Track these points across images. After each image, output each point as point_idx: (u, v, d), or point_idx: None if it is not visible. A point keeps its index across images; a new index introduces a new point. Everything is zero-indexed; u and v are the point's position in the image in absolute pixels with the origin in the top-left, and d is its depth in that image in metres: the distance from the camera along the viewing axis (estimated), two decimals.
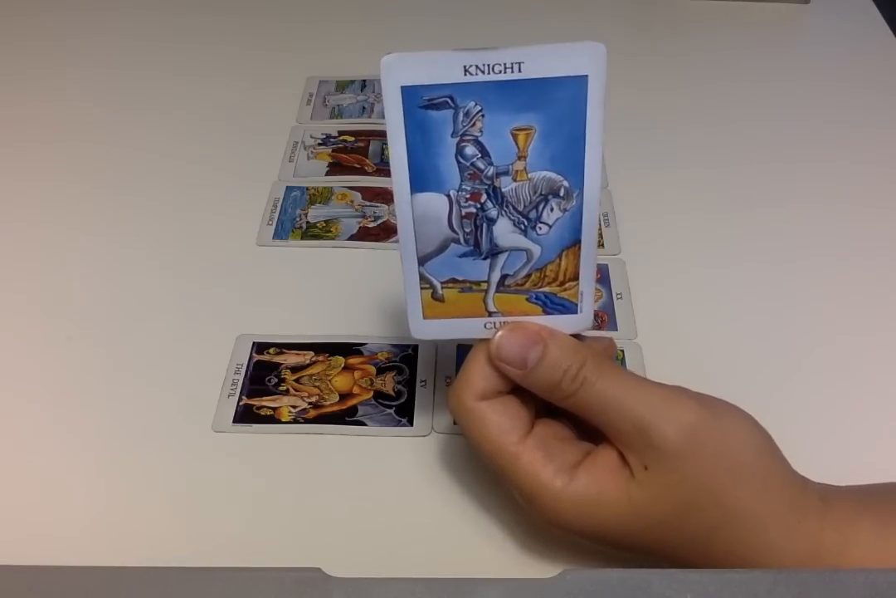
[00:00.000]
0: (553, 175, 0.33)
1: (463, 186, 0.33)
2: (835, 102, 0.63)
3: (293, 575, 0.27)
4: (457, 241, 0.34)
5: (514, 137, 0.32)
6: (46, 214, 0.53)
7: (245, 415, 0.42)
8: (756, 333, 0.46)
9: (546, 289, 0.35)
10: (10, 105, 0.62)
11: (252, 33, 0.69)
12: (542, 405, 0.36)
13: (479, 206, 0.33)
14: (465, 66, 0.31)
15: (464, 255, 0.34)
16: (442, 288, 0.35)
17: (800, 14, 0.72)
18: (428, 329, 0.36)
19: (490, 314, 0.35)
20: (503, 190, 0.33)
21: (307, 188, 0.55)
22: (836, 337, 0.46)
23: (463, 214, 0.33)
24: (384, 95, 0.32)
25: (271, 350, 0.45)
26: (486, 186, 0.33)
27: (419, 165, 0.32)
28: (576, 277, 0.35)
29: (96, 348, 0.45)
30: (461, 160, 0.32)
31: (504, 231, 0.34)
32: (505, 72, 0.31)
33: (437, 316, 0.35)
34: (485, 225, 0.34)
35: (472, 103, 0.31)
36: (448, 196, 0.33)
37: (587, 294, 0.35)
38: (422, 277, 0.35)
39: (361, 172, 0.56)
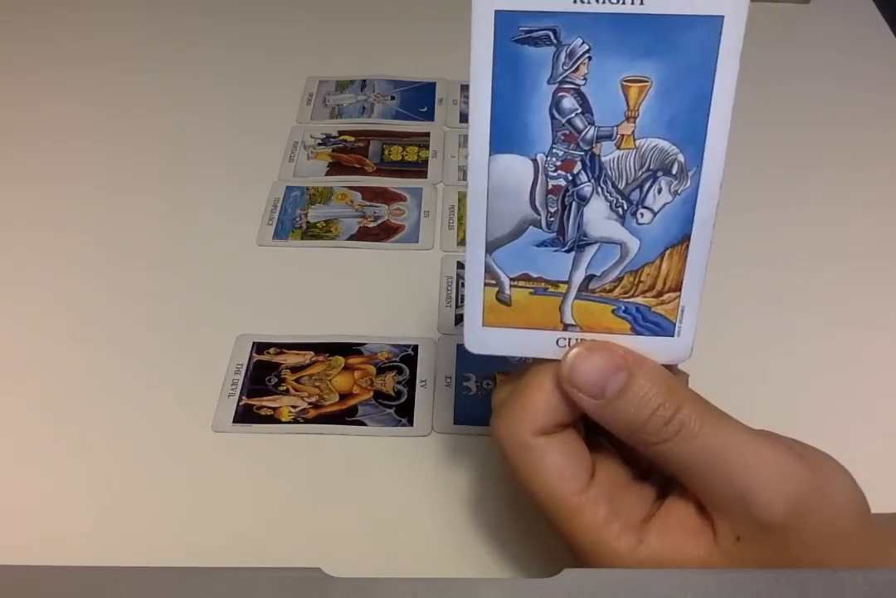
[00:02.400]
0: (666, 145, 0.26)
1: (554, 150, 0.26)
2: (835, 101, 0.63)
3: (293, 575, 0.27)
4: (537, 224, 0.27)
5: (626, 89, 0.26)
6: (46, 214, 0.53)
7: (245, 415, 0.42)
8: (756, 333, 0.46)
9: (639, 299, 0.28)
10: (9, 105, 0.62)
11: (252, 33, 0.69)
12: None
13: (570, 178, 0.27)
14: None
15: (543, 243, 0.28)
16: (510, 286, 0.28)
17: (800, 14, 0.72)
18: (487, 340, 0.29)
19: (565, 327, 0.29)
20: (603, 159, 0.27)
21: (307, 188, 0.55)
22: (838, 338, 0.46)
23: (550, 187, 0.27)
24: (473, 22, 0.25)
25: (271, 350, 0.45)
26: (582, 153, 0.27)
27: (504, 116, 0.26)
28: (678, 288, 0.28)
29: (96, 348, 0.45)
30: (556, 115, 0.26)
31: (597, 215, 0.27)
32: (625, 2, 0.25)
33: (500, 324, 0.29)
34: (574, 205, 0.27)
35: (580, 41, 0.25)
36: (534, 161, 0.27)
37: (689, 312, 0.28)
38: (488, 270, 0.28)
39: (361, 172, 0.56)
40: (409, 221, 0.53)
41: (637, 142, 0.26)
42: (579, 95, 0.26)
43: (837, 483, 0.28)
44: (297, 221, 0.53)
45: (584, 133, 0.26)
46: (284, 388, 0.43)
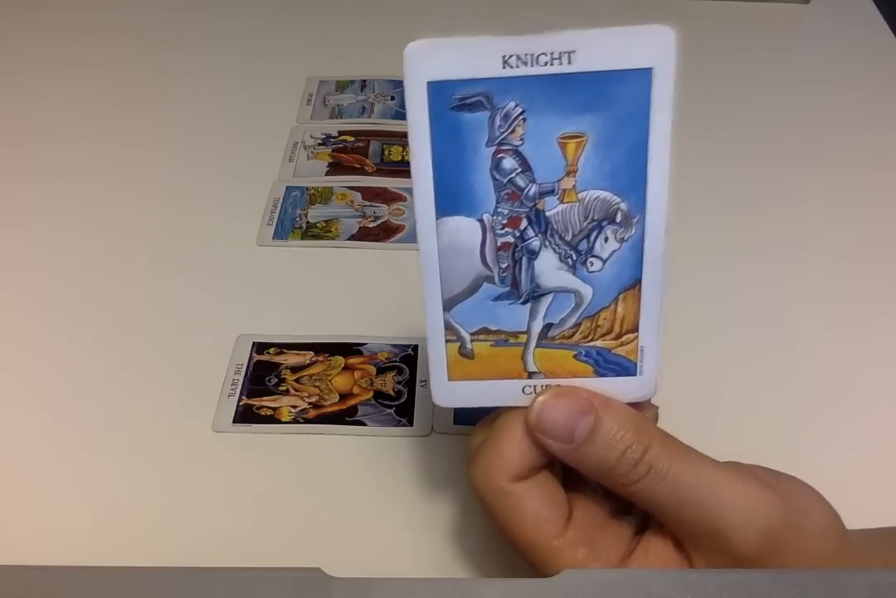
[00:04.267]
0: (608, 195, 0.27)
1: (499, 209, 0.27)
2: (835, 102, 0.63)
3: (293, 575, 0.27)
4: (490, 280, 0.28)
5: (563, 146, 0.26)
6: (46, 214, 0.53)
7: (245, 415, 0.42)
8: (756, 334, 0.46)
9: (599, 343, 0.29)
10: (9, 105, 0.62)
11: (252, 33, 0.69)
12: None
13: (517, 234, 0.28)
14: (503, 57, 0.25)
15: (499, 298, 0.28)
16: (471, 341, 0.29)
17: (800, 14, 0.72)
18: (455, 394, 0.30)
19: (530, 375, 0.29)
20: (547, 214, 0.27)
21: (307, 188, 0.55)
22: (840, 339, 0.46)
23: (499, 244, 0.28)
24: (406, 93, 0.26)
25: (271, 350, 0.45)
26: (526, 210, 0.27)
27: (448, 181, 0.26)
28: (635, 329, 0.29)
29: (96, 348, 0.45)
30: (497, 176, 0.27)
31: (548, 267, 0.28)
32: (552, 64, 0.26)
33: (465, 377, 0.29)
34: (525, 259, 0.28)
35: (513, 104, 0.26)
36: (481, 221, 0.27)
37: (649, 351, 0.29)
38: (447, 327, 0.29)
39: (361, 172, 0.56)
40: (409, 221, 0.53)
41: (579, 195, 0.27)
42: (518, 155, 0.26)
43: (810, 510, 0.29)
44: (297, 221, 0.53)
45: (526, 191, 0.27)
46: (284, 388, 0.43)
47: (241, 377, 0.44)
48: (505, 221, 0.27)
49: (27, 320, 0.47)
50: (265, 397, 0.43)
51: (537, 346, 0.29)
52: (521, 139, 0.26)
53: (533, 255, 0.28)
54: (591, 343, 0.29)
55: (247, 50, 0.67)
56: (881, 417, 0.42)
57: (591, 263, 0.28)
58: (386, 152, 0.57)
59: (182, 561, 0.33)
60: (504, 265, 0.28)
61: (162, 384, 0.44)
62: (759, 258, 0.50)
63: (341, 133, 0.59)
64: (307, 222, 0.52)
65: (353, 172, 0.56)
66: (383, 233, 0.52)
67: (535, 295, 0.28)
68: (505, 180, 0.27)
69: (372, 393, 0.43)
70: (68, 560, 0.31)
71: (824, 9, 0.72)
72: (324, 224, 0.52)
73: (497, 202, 0.27)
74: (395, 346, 0.45)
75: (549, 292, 0.28)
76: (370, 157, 0.57)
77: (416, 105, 0.26)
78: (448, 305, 0.29)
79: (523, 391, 0.29)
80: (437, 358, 0.29)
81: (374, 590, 0.27)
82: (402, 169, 0.56)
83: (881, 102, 0.63)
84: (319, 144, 0.58)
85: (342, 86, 0.64)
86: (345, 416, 0.42)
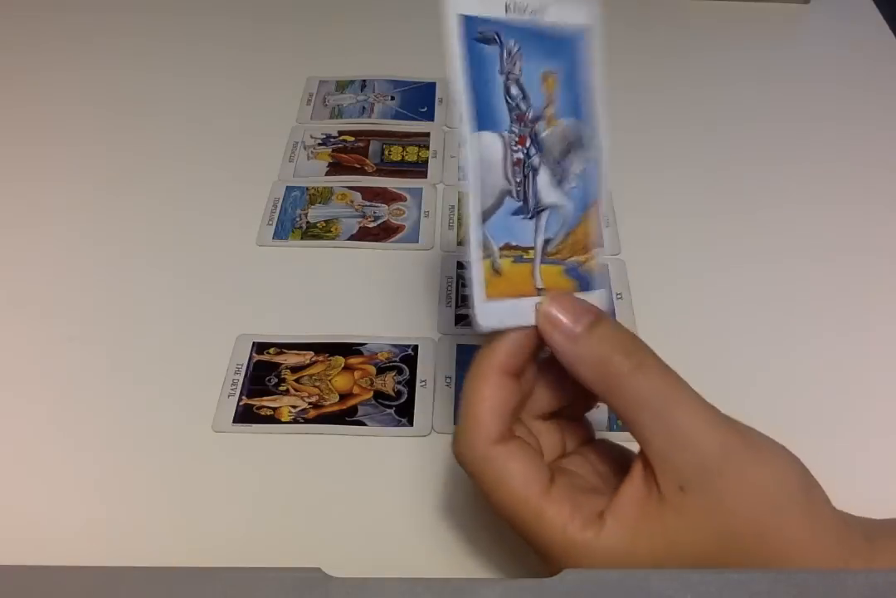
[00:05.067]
0: (576, 122, 0.32)
1: (512, 128, 0.31)
2: (834, 101, 0.63)
3: (293, 575, 0.27)
4: (510, 194, 0.31)
5: (544, 80, 0.32)
6: (46, 215, 0.53)
7: (245, 415, 0.42)
8: (756, 333, 0.46)
9: (574, 259, 0.32)
10: (9, 105, 0.62)
11: (252, 33, 0.69)
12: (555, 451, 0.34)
13: (525, 152, 0.31)
14: (506, 3, 0.31)
15: (515, 212, 0.31)
16: (500, 257, 0.31)
17: (800, 14, 0.72)
18: (491, 314, 0.31)
19: (538, 292, 0.31)
20: (541, 136, 0.32)
21: (307, 188, 0.55)
22: (837, 338, 0.46)
23: (514, 159, 0.31)
24: (445, 25, 0.30)
25: (271, 350, 0.45)
26: (528, 130, 0.31)
27: (478, 100, 0.30)
28: (594, 246, 0.32)
29: (96, 349, 0.45)
30: (508, 100, 0.31)
31: (545, 184, 0.31)
32: (533, 14, 0.31)
33: (496, 295, 0.31)
34: (531, 175, 0.31)
35: (512, 42, 0.31)
36: (502, 137, 0.31)
37: (604, 266, 0.32)
38: (484, 243, 0.30)
39: (361, 172, 0.56)
40: (409, 221, 0.53)
41: (557, 121, 0.32)
42: (519, 84, 0.31)
43: (777, 453, 0.30)
44: (297, 221, 0.53)
45: (528, 113, 0.31)
46: (284, 388, 0.43)
47: (241, 377, 0.44)
48: (516, 139, 0.31)
49: (27, 320, 0.47)
50: (265, 397, 0.43)
51: (541, 262, 0.32)
52: (520, 71, 0.31)
53: (535, 172, 0.32)
54: (572, 258, 0.32)
55: (247, 50, 0.67)
56: (881, 416, 0.42)
57: (571, 181, 0.32)
58: (386, 152, 0.57)
59: (182, 561, 0.33)
60: (518, 180, 0.31)
61: (162, 384, 0.44)
62: (758, 256, 0.50)
63: (341, 133, 0.59)
64: (307, 222, 0.52)
65: (353, 172, 0.56)
66: (383, 233, 0.52)
67: (538, 210, 0.32)
68: (514, 103, 0.31)
69: (372, 393, 0.43)
70: (68, 560, 0.31)
71: (824, 9, 0.72)
72: (324, 224, 0.52)
73: (510, 122, 0.31)
74: (395, 346, 0.45)
75: (546, 208, 0.32)
76: (370, 157, 0.57)
77: (453, 35, 0.30)
78: (484, 216, 0.31)
79: (536, 309, 0.31)
80: (477, 277, 0.31)
81: (374, 590, 0.27)
82: (402, 169, 0.56)
83: (881, 101, 0.63)
84: (319, 144, 0.58)
85: (342, 86, 0.64)
86: (345, 416, 0.42)
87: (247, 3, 0.73)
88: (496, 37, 0.31)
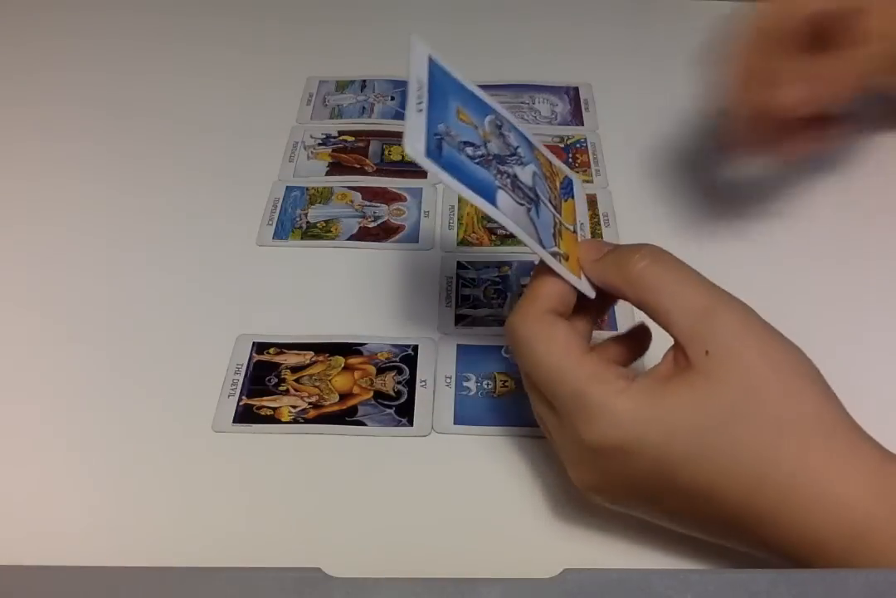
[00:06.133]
0: (488, 117, 0.37)
1: (494, 175, 0.35)
2: None
3: (293, 575, 0.27)
4: (529, 209, 0.35)
5: (459, 114, 0.36)
6: (46, 215, 0.53)
7: (245, 415, 0.42)
8: None
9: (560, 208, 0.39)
10: (9, 105, 0.62)
11: (252, 34, 0.69)
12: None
13: (509, 175, 0.35)
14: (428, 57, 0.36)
15: (537, 214, 0.36)
16: (558, 253, 0.36)
17: None
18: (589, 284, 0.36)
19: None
20: (494, 152, 0.36)
21: (307, 188, 0.55)
22: (837, 338, 0.46)
23: (511, 188, 0.35)
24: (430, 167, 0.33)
25: (271, 350, 0.45)
26: (493, 160, 0.35)
27: (475, 188, 0.33)
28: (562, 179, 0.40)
29: (96, 349, 0.45)
30: (474, 160, 0.34)
31: (527, 176, 0.36)
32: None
33: (581, 272, 0.36)
34: (520, 183, 0.36)
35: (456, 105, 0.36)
36: (499, 188, 0.34)
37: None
38: (553, 255, 0.35)
39: (361, 172, 0.56)
40: (409, 221, 0.53)
41: (487, 134, 0.37)
42: (468, 144, 0.35)
43: (796, 349, 0.34)
44: (297, 221, 0.53)
45: (487, 154, 0.36)
46: (284, 388, 0.43)
47: (241, 377, 0.44)
48: (500, 176, 0.35)
49: (27, 320, 0.47)
50: (265, 397, 0.43)
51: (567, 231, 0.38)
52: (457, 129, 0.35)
53: (517, 179, 0.36)
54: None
55: (247, 50, 0.67)
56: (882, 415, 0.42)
57: (525, 156, 0.38)
58: (386, 152, 0.57)
59: (182, 561, 0.33)
60: (521, 196, 0.35)
61: (162, 384, 0.44)
62: (758, 256, 0.50)
63: (341, 133, 0.59)
64: (307, 222, 0.52)
65: (353, 172, 0.56)
66: (383, 233, 0.52)
67: (538, 199, 0.37)
68: (478, 157, 0.35)
69: (372, 393, 0.43)
70: (68, 560, 0.31)
71: None
72: (324, 224, 0.52)
73: (490, 173, 0.35)
74: (395, 346, 0.45)
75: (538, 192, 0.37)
76: (370, 157, 0.57)
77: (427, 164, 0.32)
78: (541, 243, 0.35)
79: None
80: (567, 275, 0.35)
81: (374, 590, 0.27)
82: (402, 169, 0.56)
83: (880, 101, 0.63)
84: (319, 144, 0.58)
85: (342, 86, 0.64)
86: (345, 416, 0.42)
87: (247, 3, 0.73)
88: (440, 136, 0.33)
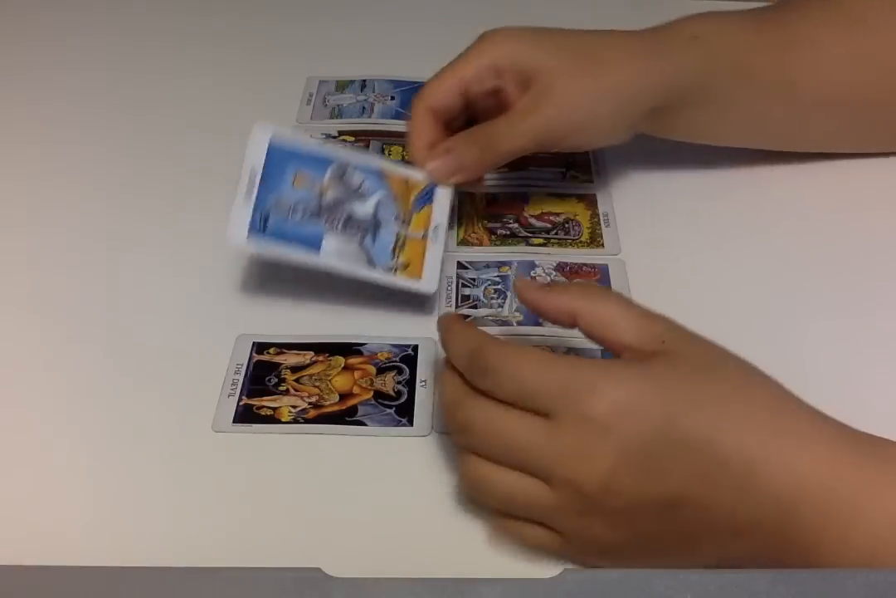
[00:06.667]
0: (329, 169, 0.44)
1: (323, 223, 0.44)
2: None
3: (293, 575, 0.27)
4: (363, 237, 0.43)
5: (295, 179, 0.44)
6: (45, 215, 0.53)
7: (245, 415, 0.42)
8: (756, 333, 0.46)
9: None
10: (9, 105, 0.62)
11: (252, 33, 0.69)
12: None
13: (340, 218, 0.43)
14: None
15: (373, 239, 0.43)
16: (396, 267, 0.44)
17: None
18: (430, 281, 0.44)
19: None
20: (329, 200, 0.44)
21: None
22: (837, 339, 0.46)
23: (342, 229, 0.43)
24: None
25: (271, 350, 0.45)
26: (326, 210, 0.44)
27: (301, 242, 0.43)
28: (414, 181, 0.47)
29: (96, 349, 0.45)
30: (302, 219, 0.43)
31: (367, 208, 0.43)
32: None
33: (419, 273, 0.43)
34: (355, 219, 0.43)
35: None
36: (327, 233, 0.43)
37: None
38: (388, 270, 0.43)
39: None
40: None
41: (324, 187, 0.45)
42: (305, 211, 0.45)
43: None
44: None
45: (319, 209, 0.45)
46: (284, 388, 0.43)
47: (241, 377, 0.44)
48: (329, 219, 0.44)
49: (27, 321, 0.47)
50: (265, 397, 0.43)
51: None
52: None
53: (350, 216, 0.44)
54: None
55: (247, 50, 0.67)
56: (881, 413, 0.42)
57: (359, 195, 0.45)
58: (386, 152, 0.57)
59: (182, 561, 0.33)
60: (353, 232, 0.43)
61: (162, 384, 0.44)
62: (759, 256, 0.50)
63: (341, 133, 0.59)
64: None
65: None
66: None
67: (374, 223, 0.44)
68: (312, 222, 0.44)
69: (372, 393, 0.43)
70: (68, 560, 0.31)
71: None
72: None
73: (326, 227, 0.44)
74: (395, 346, 0.45)
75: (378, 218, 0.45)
76: None
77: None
78: (371, 263, 0.44)
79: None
80: (401, 282, 0.43)
81: (375, 590, 0.27)
82: None
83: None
84: None
85: (342, 86, 0.64)
86: (345, 416, 0.42)
87: (247, 3, 0.73)
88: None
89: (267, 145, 0.42)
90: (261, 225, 0.41)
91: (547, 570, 0.36)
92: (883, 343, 0.46)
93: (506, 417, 0.34)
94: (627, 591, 0.26)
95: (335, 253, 0.41)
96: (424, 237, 0.43)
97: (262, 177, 0.42)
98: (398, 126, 0.60)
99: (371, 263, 0.42)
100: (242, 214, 0.40)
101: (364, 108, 0.61)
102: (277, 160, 0.43)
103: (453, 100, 0.47)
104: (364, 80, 0.64)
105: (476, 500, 0.37)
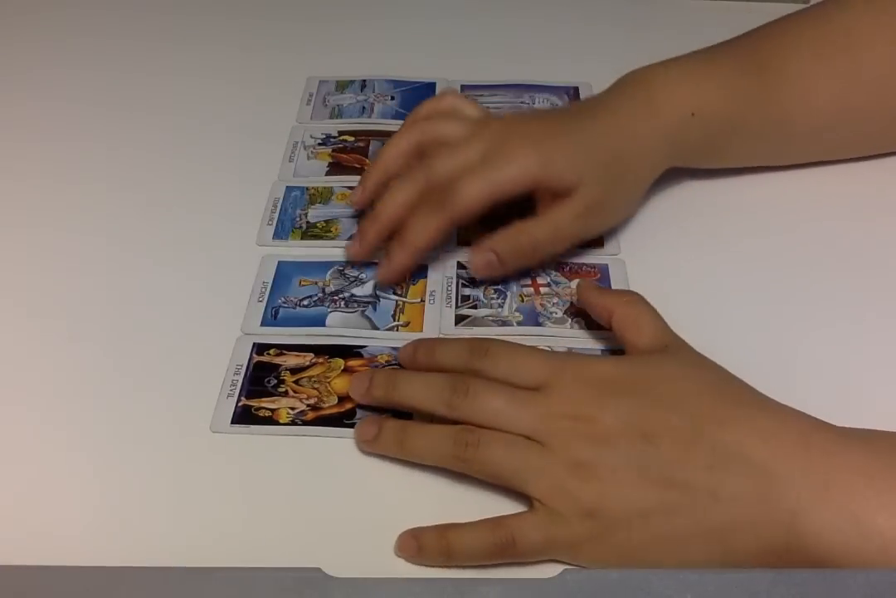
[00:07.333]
0: (330, 271, 0.50)
1: (327, 305, 0.47)
2: None
3: (293, 575, 0.27)
4: (365, 309, 0.47)
5: (300, 283, 0.48)
6: (45, 215, 0.53)
7: (243, 416, 0.42)
8: (756, 333, 0.46)
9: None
10: (9, 105, 0.62)
11: (252, 33, 0.69)
12: None
13: (344, 298, 0.48)
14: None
15: (374, 309, 0.47)
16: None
17: None
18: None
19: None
20: (331, 290, 0.48)
21: (307, 188, 0.55)
22: (838, 339, 0.46)
23: (345, 306, 0.47)
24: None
25: (271, 351, 0.45)
26: (329, 296, 0.48)
27: (308, 322, 0.47)
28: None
29: (96, 349, 0.45)
30: (308, 307, 0.47)
31: (366, 290, 0.48)
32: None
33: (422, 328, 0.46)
34: (356, 298, 0.48)
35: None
36: (331, 312, 0.47)
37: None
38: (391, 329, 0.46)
39: (361, 171, 0.56)
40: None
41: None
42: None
43: None
44: (297, 221, 0.53)
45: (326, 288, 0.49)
46: (283, 389, 0.43)
47: (240, 378, 0.44)
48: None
49: (27, 320, 0.47)
50: (264, 399, 0.43)
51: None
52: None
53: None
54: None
55: (247, 50, 0.67)
56: (881, 413, 0.42)
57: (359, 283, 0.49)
58: None
59: (181, 561, 0.33)
60: (354, 307, 0.47)
61: (161, 384, 0.44)
62: (759, 256, 0.50)
63: (341, 133, 0.59)
64: (307, 222, 0.52)
65: (353, 172, 0.56)
66: None
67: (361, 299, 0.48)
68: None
69: None
70: (68, 560, 0.31)
71: None
72: (324, 224, 0.52)
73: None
74: (395, 348, 0.45)
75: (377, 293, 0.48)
76: (370, 157, 0.57)
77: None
78: (374, 327, 0.47)
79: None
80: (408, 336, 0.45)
81: (375, 590, 0.27)
82: None
83: None
84: (319, 144, 0.58)
85: (342, 86, 0.64)
86: (343, 418, 0.42)
87: (246, 3, 0.73)
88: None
89: (276, 267, 0.49)
90: (272, 317, 0.46)
91: (546, 570, 0.36)
92: (886, 345, 0.46)
93: (501, 386, 0.38)
94: (627, 591, 0.26)
95: (340, 323, 0.46)
96: (422, 301, 0.47)
97: (271, 287, 0.48)
98: (398, 126, 0.59)
99: (374, 327, 0.46)
100: (255, 314, 0.47)
101: (364, 108, 0.61)
102: (285, 273, 0.49)
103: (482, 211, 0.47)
104: (364, 81, 0.64)
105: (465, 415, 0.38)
